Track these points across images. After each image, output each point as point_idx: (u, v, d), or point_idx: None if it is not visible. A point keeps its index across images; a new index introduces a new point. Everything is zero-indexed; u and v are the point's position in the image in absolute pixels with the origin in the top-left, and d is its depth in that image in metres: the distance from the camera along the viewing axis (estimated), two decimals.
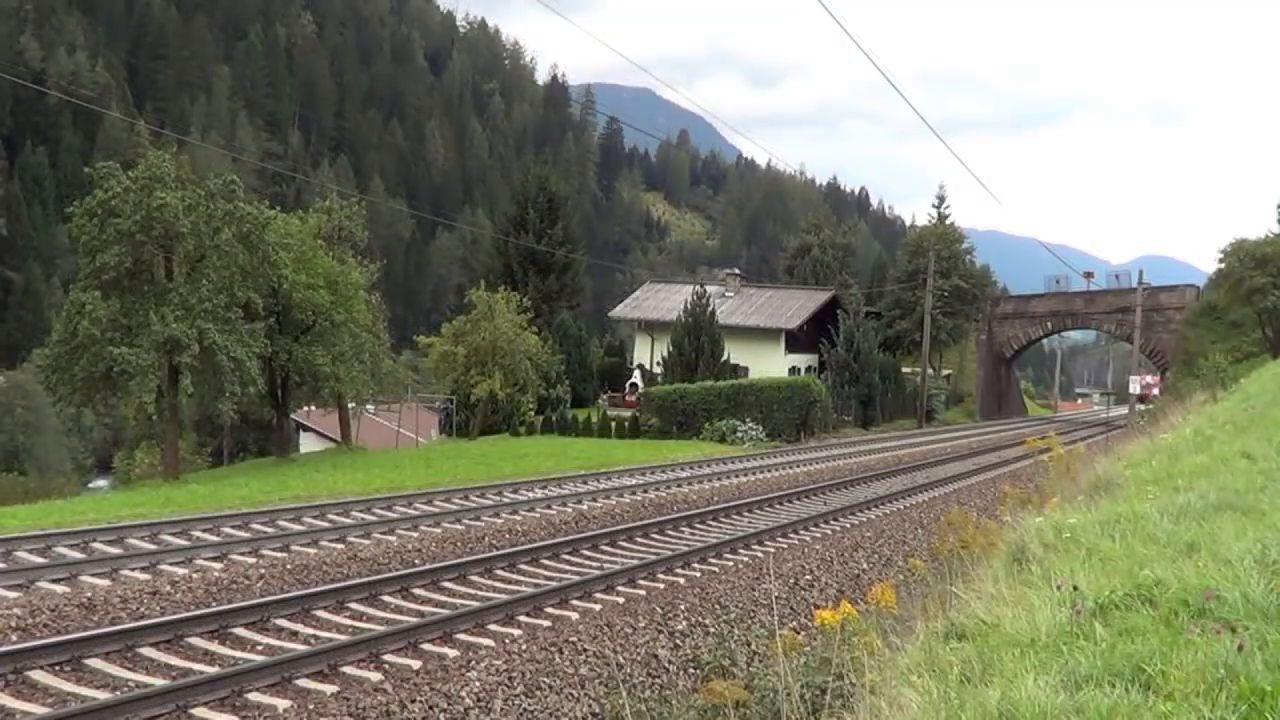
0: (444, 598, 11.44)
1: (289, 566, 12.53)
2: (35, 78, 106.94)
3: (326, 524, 15.35)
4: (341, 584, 11.44)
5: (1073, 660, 3.86)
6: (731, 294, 57.23)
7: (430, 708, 8.00)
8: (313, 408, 38.23)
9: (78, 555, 12.44)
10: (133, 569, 11.92)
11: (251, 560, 12.79)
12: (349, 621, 10.34)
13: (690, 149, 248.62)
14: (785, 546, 15.50)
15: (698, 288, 49.94)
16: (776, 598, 11.89)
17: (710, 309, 47.37)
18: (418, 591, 11.56)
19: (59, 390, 27.29)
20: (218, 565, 12.43)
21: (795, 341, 53.50)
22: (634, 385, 50.50)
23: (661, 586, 12.40)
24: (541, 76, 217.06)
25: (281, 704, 7.81)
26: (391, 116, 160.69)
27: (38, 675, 8.13)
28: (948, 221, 69.50)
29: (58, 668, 8.32)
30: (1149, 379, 72.82)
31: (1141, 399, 69.26)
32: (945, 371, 64.79)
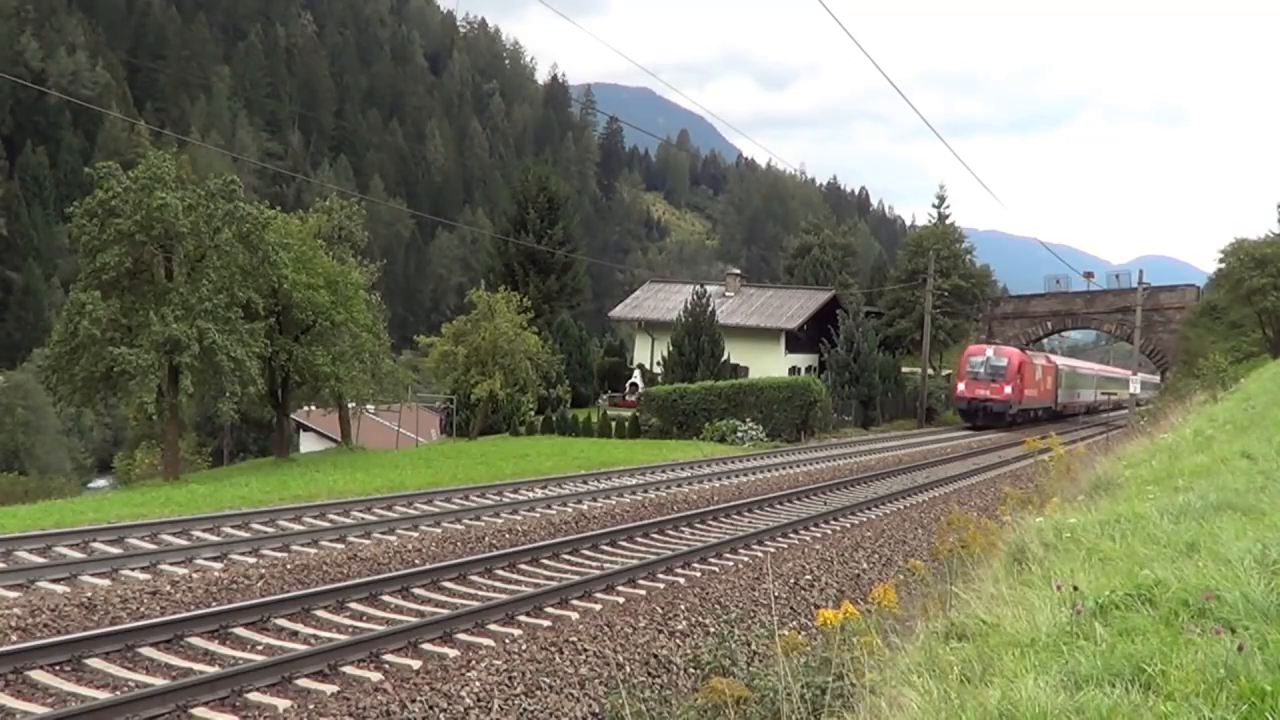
0: (444, 598, 11.44)
1: (289, 566, 12.53)
2: (35, 78, 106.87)
3: (326, 524, 15.35)
4: (342, 584, 11.44)
5: (1073, 660, 3.86)
6: (731, 294, 57.19)
7: (430, 708, 8.00)
8: (313, 408, 38.23)
9: (78, 555, 12.44)
10: (133, 569, 11.92)
11: (251, 560, 12.79)
12: (349, 621, 10.34)
13: (690, 149, 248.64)
14: (785, 546, 15.50)
15: (698, 288, 49.91)
16: (776, 598, 11.88)
17: (710, 309, 47.35)
18: (418, 591, 11.57)
19: (59, 390, 27.28)
20: (218, 565, 12.43)
21: (795, 341, 53.45)
22: (634, 385, 50.46)
23: (661, 586, 12.40)
24: (541, 77, 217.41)
25: (282, 704, 7.81)
26: (391, 116, 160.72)
27: (38, 675, 8.13)
28: (948, 221, 69.41)
29: (58, 668, 8.32)
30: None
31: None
32: (945, 371, 64.65)
